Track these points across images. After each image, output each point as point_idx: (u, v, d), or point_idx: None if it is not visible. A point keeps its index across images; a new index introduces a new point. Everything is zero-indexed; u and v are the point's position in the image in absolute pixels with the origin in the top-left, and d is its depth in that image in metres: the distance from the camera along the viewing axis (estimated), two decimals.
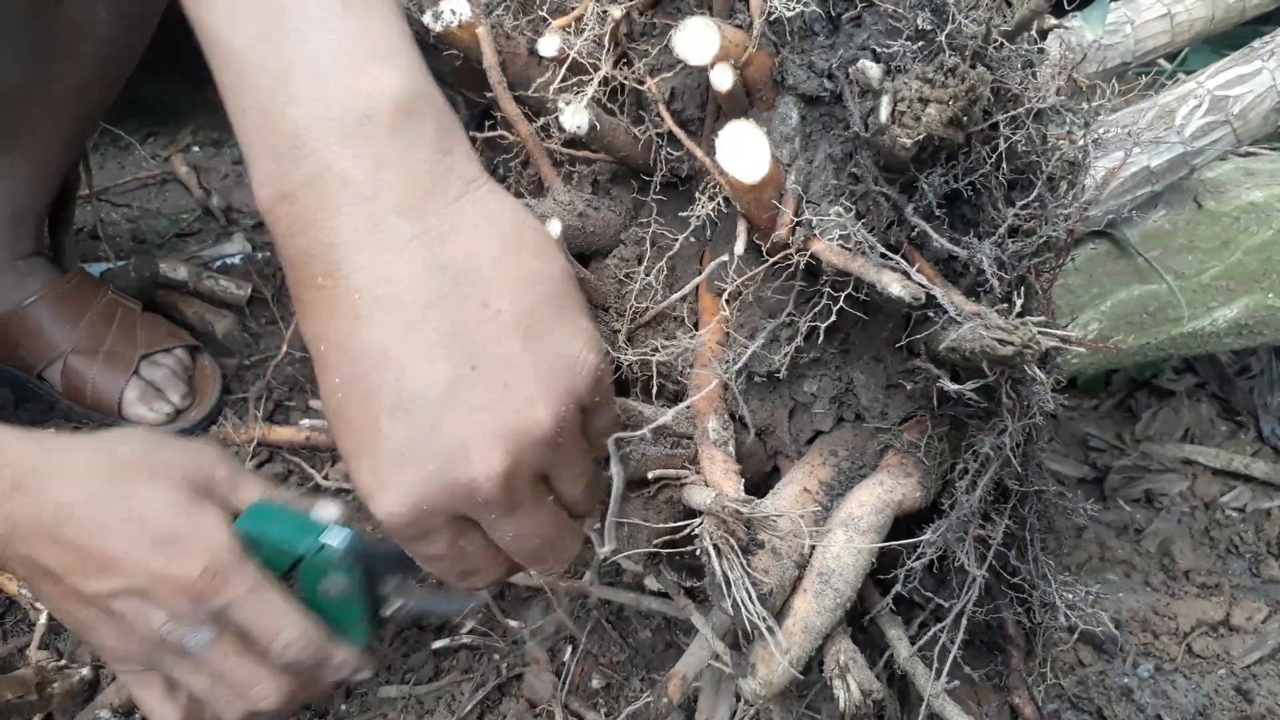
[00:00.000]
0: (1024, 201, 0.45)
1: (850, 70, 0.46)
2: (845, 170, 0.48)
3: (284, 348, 1.04)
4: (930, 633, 0.59)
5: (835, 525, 0.49)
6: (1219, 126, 0.72)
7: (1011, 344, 0.42)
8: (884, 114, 0.43)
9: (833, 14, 0.47)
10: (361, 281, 0.44)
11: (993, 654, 0.76)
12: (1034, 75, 0.46)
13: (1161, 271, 0.79)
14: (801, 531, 0.47)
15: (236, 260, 1.26)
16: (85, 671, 0.77)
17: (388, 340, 0.44)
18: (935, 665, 0.59)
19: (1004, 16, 0.45)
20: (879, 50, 0.45)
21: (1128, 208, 0.76)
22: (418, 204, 0.44)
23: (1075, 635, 0.81)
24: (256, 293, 1.20)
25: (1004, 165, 0.44)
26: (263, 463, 1.01)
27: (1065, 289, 0.78)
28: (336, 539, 0.57)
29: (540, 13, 0.58)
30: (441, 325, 0.44)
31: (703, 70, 0.48)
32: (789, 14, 0.46)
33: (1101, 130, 0.59)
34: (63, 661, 0.79)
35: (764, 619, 0.44)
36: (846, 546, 0.48)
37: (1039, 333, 0.42)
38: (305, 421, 1.02)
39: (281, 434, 1.02)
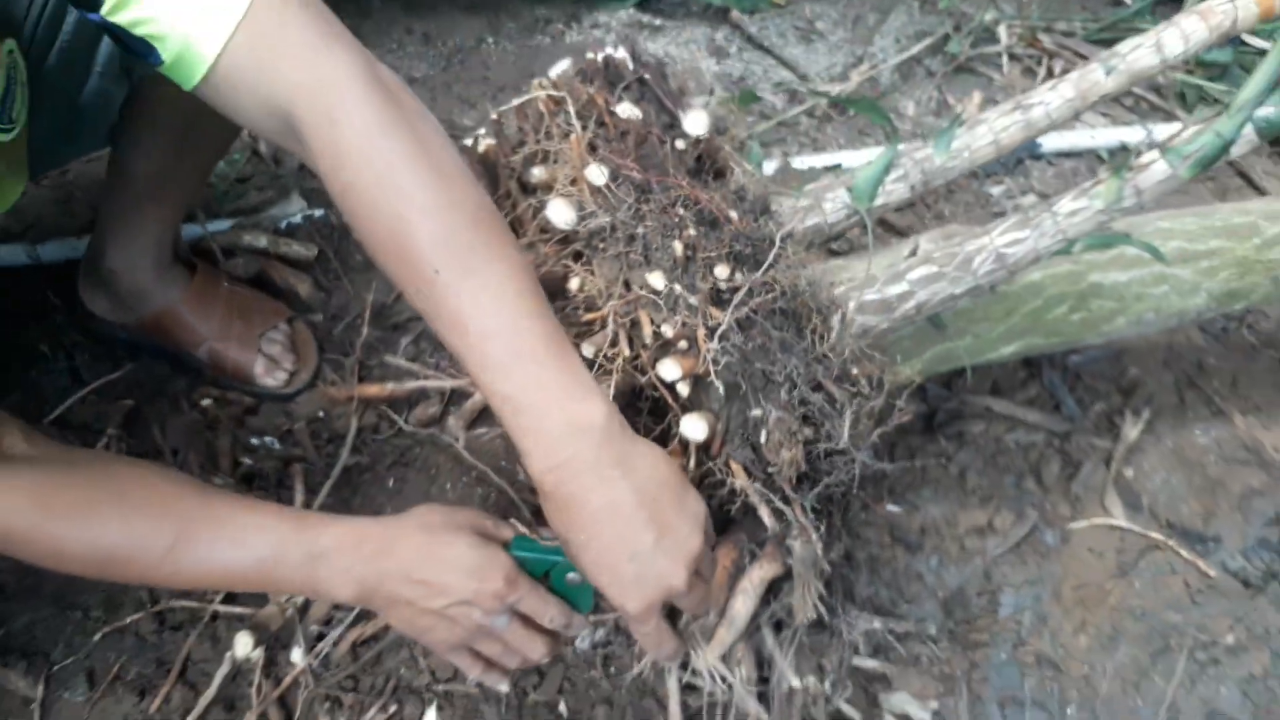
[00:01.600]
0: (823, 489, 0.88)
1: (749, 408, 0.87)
2: (745, 435, 0.90)
3: (366, 316, 1.45)
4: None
5: (738, 591, 0.96)
6: (999, 271, 1.12)
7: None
8: (764, 436, 0.86)
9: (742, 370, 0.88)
10: (600, 502, 0.79)
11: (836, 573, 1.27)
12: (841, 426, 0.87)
13: (957, 333, 1.22)
14: (721, 597, 0.95)
15: (298, 219, 1.61)
16: None
17: (616, 533, 0.80)
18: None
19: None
20: (764, 400, 0.87)
21: (943, 309, 1.17)
22: (619, 461, 0.79)
23: (893, 540, 1.34)
24: (321, 252, 1.57)
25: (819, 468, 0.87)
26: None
27: (898, 349, 1.21)
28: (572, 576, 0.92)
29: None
30: (641, 522, 0.80)
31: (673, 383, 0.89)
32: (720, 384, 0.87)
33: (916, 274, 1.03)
34: None
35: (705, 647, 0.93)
36: (744, 603, 0.96)
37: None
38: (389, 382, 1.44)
39: (370, 390, 1.44)
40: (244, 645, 1.15)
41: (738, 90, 1.85)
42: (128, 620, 1.24)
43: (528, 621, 0.91)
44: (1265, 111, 1.06)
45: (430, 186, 0.78)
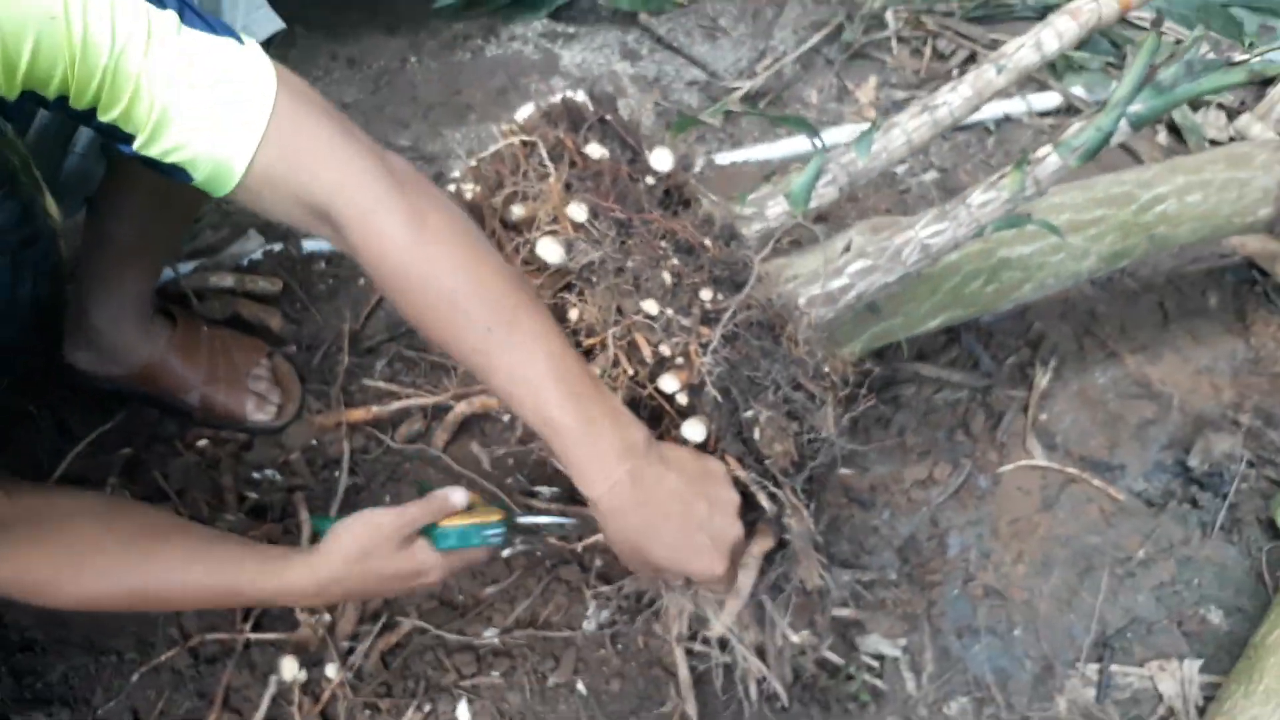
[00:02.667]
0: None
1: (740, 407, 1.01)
2: (738, 433, 1.04)
3: (345, 347, 1.55)
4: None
5: (740, 566, 1.11)
6: (924, 259, 1.28)
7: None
8: (756, 433, 1.00)
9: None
10: (660, 495, 0.93)
11: None
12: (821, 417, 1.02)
13: (890, 313, 1.39)
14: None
15: (258, 255, 1.68)
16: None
17: (679, 513, 0.93)
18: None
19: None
20: (754, 400, 1.01)
21: (879, 295, 1.32)
22: (661, 461, 0.94)
23: (849, 500, 1.50)
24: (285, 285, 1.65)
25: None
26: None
27: (841, 333, 1.36)
28: (493, 535, 1.09)
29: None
30: (693, 496, 0.94)
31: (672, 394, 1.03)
32: (714, 392, 1.00)
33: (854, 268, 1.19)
34: None
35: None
36: (746, 575, 1.11)
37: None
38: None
39: (356, 414, 1.53)
40: (290, 669, 1.26)
41: (653, 90, 1.98)
42: (162, 658, 1.33)
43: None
44: (1136, 108, 1.24)
45: (471, 262, 0.90)
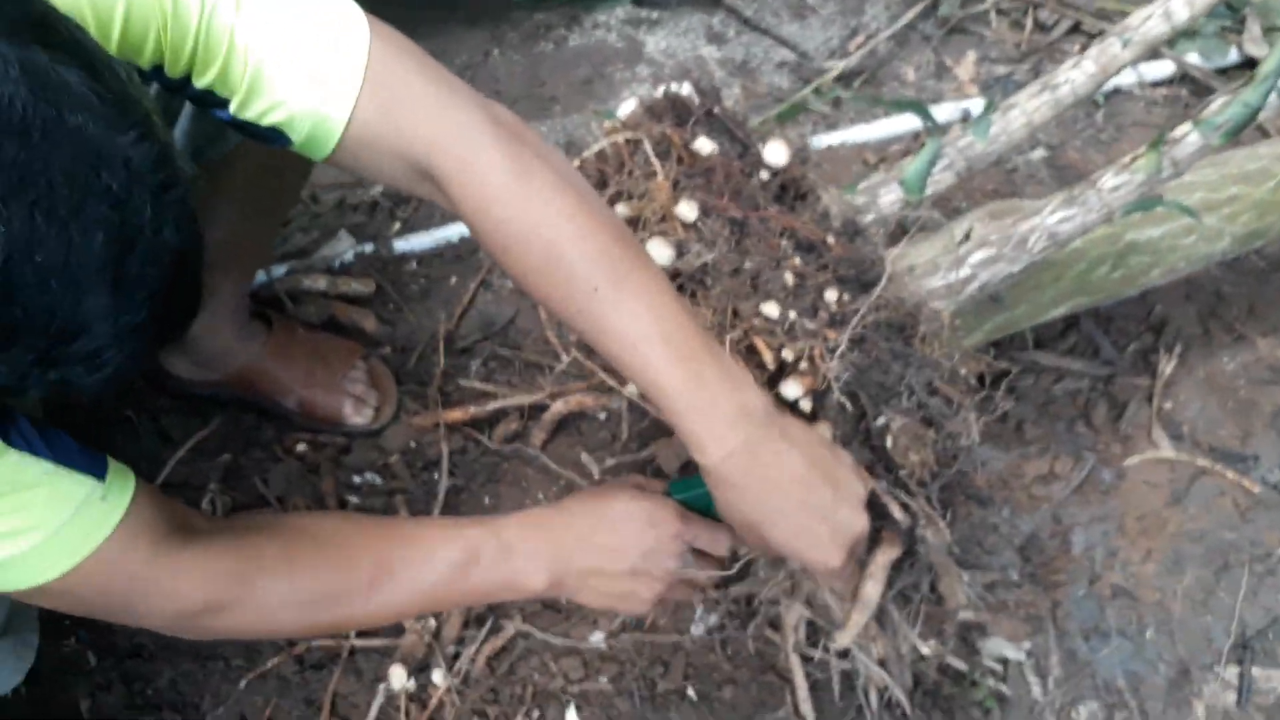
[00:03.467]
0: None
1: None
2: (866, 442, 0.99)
3: (440, 347, 1.52)
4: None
5: (867, 576, 1.06)
6: (1050, 247, 1.21)
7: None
8: (889, 441, 0.95)
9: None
10: (779, 474, 0.86)
11: None
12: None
13: (1013, 303, 1.32)
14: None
15: (349, 256, 1.66)
16: None
17: (801, 498, 0.86)
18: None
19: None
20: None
21: (1003, 285, 1.26)
22: (783, 435, 0.86)
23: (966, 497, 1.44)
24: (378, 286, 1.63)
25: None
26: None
27: (961, 324, 1.30)
28: None
29: None
30: (817, 481, 0.87)
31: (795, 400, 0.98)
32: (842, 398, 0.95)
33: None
34: None
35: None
36: (873, 586, 1.06)
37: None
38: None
39: (454, 415, 1.51)
40: (399, 677, 1.24)
41: (741, 74, 1.92)
42: (269, 665, 1.32)
43: (700, 554, 0.98)
44: None
45: (577, 214, 0.84)
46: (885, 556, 1.07)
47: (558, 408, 1.50)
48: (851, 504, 0.90)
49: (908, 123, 1.81)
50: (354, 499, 1.43)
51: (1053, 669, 1.34)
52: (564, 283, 0.85)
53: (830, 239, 1.01)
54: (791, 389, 0.97)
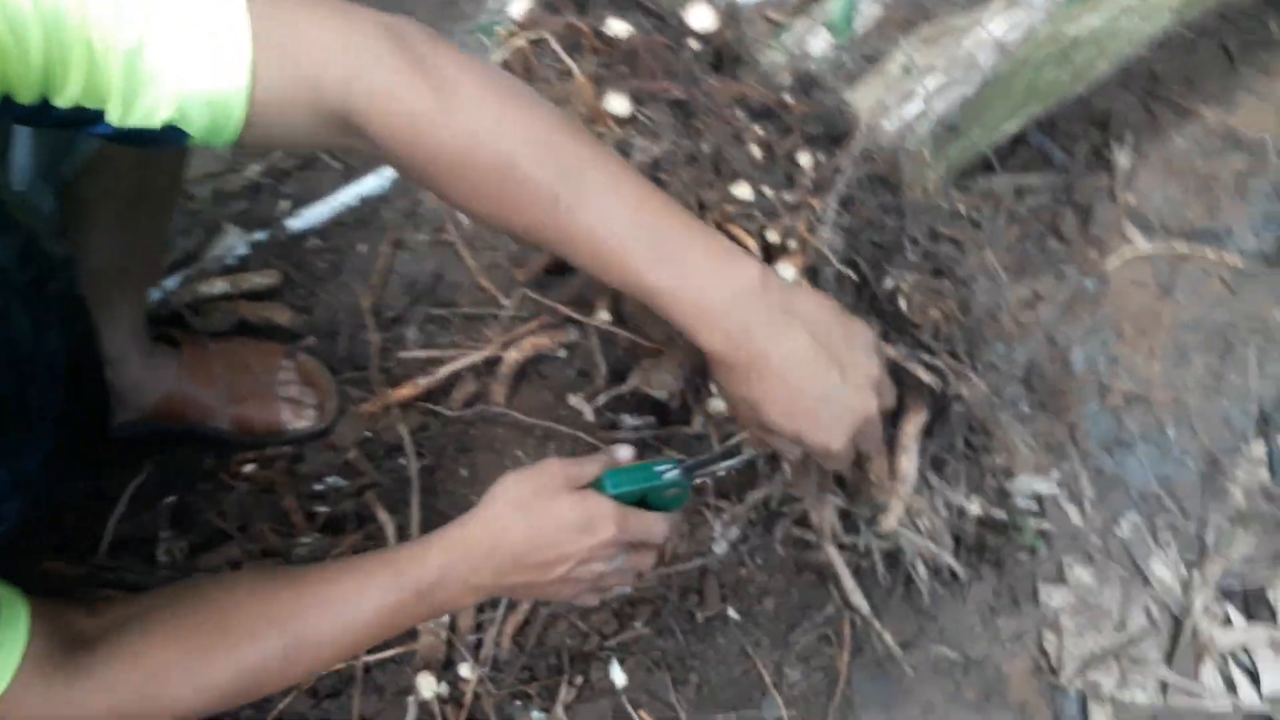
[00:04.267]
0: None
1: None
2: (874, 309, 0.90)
3: (369, 323, 1.38)
4: None
5: (899, 450, 0.98)
6: (1002, 60, 1.12)
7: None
8: (903, 303, 0.86)
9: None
10: (777, 357, 0.77)
11: None
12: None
13: (967, 127, 1.23)
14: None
15: (243, 251, 1.49)
16: None
17: (803, 377, 0.78)
18: None
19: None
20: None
21: (960, 111, 1.16)
22: (786, 309, 0.77)
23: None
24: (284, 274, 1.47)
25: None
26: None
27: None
28: (668, 472, 0.92)
29: None
30: (824, 362, 0.78)
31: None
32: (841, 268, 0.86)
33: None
34: None
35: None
36: (909, 459, 0.98)
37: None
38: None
39: (403, 392, 1.38)
40: (427, 685, 1.14)
41: None
42: (281, 706, 1.20)
43: (639, 546, 0.91)
44: None
45: (517, 120, 0.73)
46: (913, 425, 0.99)
47: (512, 357, 1.38)
48: (859, 384, 0.81)
49: None
50: (322, 508, 1.30)
51: (1085, 492, 1.29)
52: (520, 198, 0.74)
53: (787, 98, 0.90)
54: (784, 272, 0.87)
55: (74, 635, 0.76)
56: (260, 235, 1.50)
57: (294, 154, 1.55)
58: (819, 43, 1.14)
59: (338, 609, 0.84)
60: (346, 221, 1.51)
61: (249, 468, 1.34)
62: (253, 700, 0.88)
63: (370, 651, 1.21)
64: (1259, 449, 1.30)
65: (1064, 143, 1.49)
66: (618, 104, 0.93)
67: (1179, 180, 1.47)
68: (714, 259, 0.77)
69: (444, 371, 1.38)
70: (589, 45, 0.97)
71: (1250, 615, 1.24)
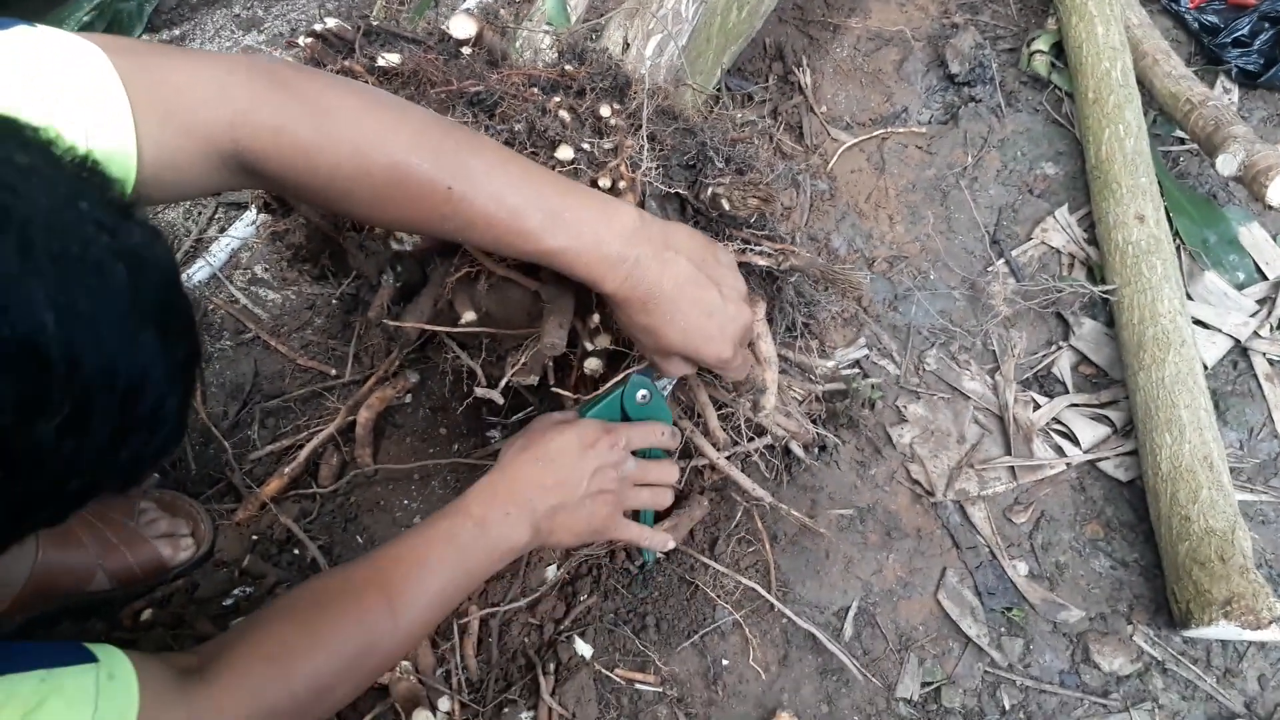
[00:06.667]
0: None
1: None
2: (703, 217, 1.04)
3: (214, 437, 1.37)
4: None
5: (756, 337, 1.13)
6: (700, 6, 1.30)
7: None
8: (725, 204, 1.01)
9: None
10: (668, 286, 0.88)
11: None
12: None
13: (694, 78, 1.41)
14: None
15: None
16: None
17: (691, 299, 0.89)
18: None
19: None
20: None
21: (682, 65, 1.33)
22: (666, 244, 0.88)
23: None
24: None
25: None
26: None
27: None
28: (629, 381, 1.03)
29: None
30: (704, 283, 0.90)
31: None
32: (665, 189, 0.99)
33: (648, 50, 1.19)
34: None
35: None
36: (767, 342, 1.13)
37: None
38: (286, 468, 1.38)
39: (270, 488, 1.37)
40: None
41: None
42: None
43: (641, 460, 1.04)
44: None
45: (398, 124, 0.80)
46: (760, 311, 1.14)
47: (365, 416, 1.42)
48: (734, 298, 0.95)
49: None
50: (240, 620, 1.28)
51: (889, 345, 1.50)
52: (418, 196, 0.81)
53: (568, 67, 1.03)
54: None
55: (180, 668, 0.78)
56: None
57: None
58: (548, 38, 1.28)
59: (415, 557, 0.92)
60: None
61: (147, 614, 1.29)
62: (374, 671, 0.90)
63: (350, 706, 1.21)
64: (1000, 264, 1.56)
65: (757, 79, 1.72)
66: None
67: (853, 81, 1.73)
68: (599, 212, 0.87)
69: (304, 454, 1.39)
70: (370, 82, 1.05)
71: (1048, 393, 1.49)
